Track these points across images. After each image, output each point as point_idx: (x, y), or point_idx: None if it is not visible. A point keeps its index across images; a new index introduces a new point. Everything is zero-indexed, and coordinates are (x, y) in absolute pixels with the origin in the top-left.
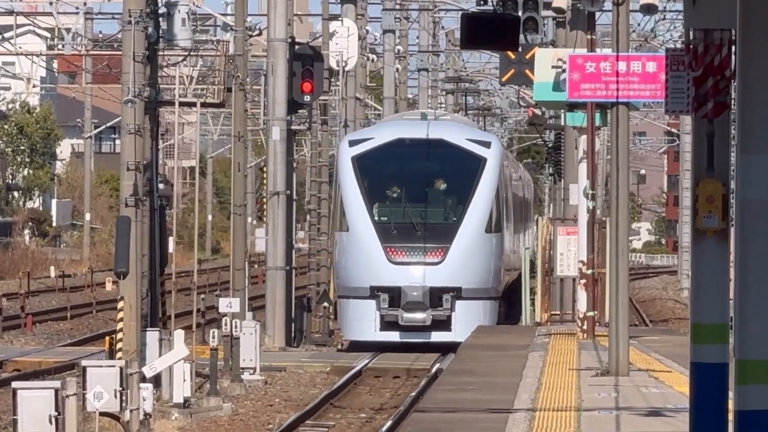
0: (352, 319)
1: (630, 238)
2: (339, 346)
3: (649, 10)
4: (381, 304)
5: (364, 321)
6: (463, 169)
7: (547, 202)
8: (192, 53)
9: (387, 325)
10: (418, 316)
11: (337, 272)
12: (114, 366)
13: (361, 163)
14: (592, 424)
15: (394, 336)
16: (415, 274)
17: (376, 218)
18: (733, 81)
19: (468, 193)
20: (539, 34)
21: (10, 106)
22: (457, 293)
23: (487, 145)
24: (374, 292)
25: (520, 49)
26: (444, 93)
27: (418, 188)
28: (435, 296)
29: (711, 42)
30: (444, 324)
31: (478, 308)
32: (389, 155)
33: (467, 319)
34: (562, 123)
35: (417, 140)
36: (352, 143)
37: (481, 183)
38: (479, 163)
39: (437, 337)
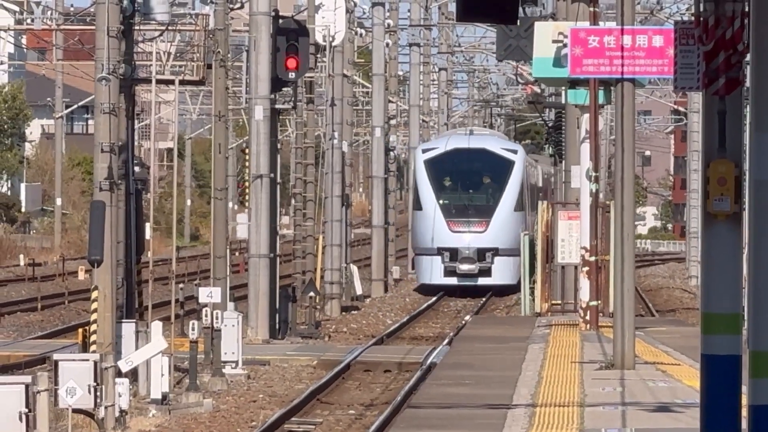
0: (425, 269)
1: (635, 223)
2: (327, 338)
3: None
4: (444, 259)
5: (433, 270)
6: (498, 168)
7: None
8: (170, 28)
9: (448, 273)
10: (470, 266)
11: (414, 237)
12: (88, 360)
13: (430, 164)
14: (596, 420)
15: (453, 280)
16: (466, 239)
17: (440, 201)
18: (746, 55)
19: (502, 184)
20: (538, 7)
21: None
22: (495, 252)
23: (514, 151)
24: (439, 251)
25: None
26: (438, 70)
27: (468, 181)
28: (480, 254)
29: (722, 14)
30: (487, 272)
31: (510, 262)
32: (449, 159)
33: (502, 269)
34: (563, 101)
35: (467, 149)
36: (424, 151)
37: (511, 178)
38: (510, 164)
39: (482, 281)
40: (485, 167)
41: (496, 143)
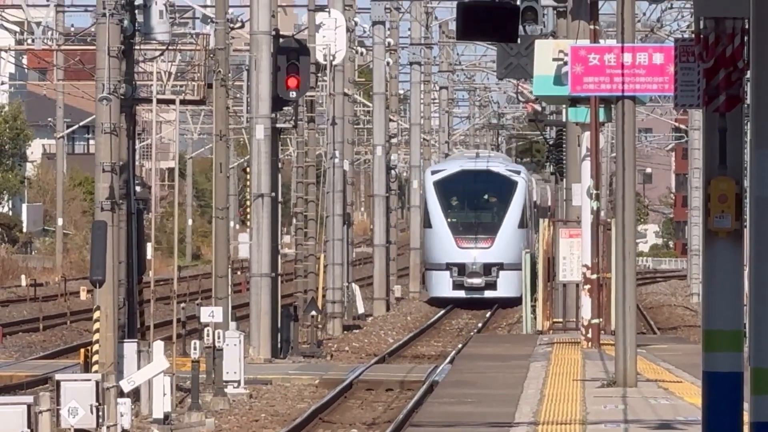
0: (435, 283)
1: (636, 240)
2: (329, 357)
3: None
4: (452, 274)
5: (442, 284)
6: (503, 188)
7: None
8: (170, 47)
9: (456, 286)
10: (476, 280)
11: (425, 253)
12: (90, 380)
13: (439, 185)
14: None
15: (461, 293)
16: (473, 255)
17: (448, 219)
18: (746, 72)
19: (506, 203)
20: (539, 25)
21: None
22: (501, 266)
23: (518, 172)
24: (448, 266)
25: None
26: (438, 88)
27: (475, 200)
28: (486, 268)
29: (723, 31)
30: (492, 286)
31: (514, 276)
32: (456, 180)
33: (507, 283)
34: (564, 119)
35: (473, 170)
36: (433, 172)
37: (515, 197)
38: (513, 184)
39: (488, 294)
40: (490, 187)
41: (501, 165)
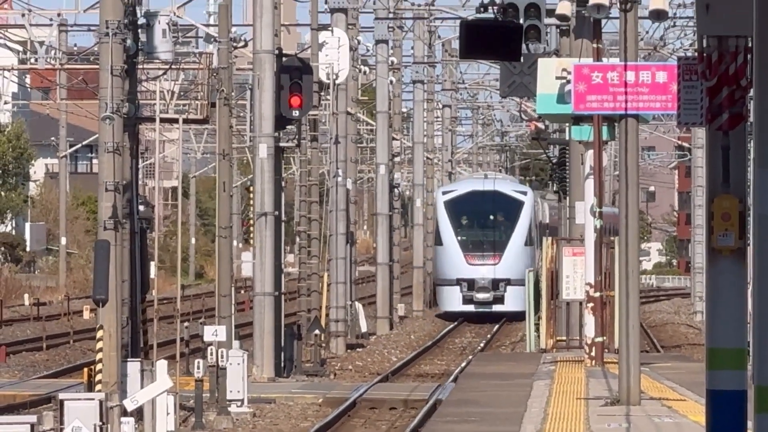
0: (445, 298)
1: (640, 258)
2: (333, 376)
3: (658, 16)
4: (462, 289)
5: (452, 299)
6: (510, 208)
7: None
8: (173, 66)
9: (466, 301)
10: (485, 295)
11: (435, 269)
12: (93, 399)
13: (449, 204)
14: None
15: (470, 308)
16: (482, 271)
17: (458, 237)
18: (749, 90)
19: (513, 222)
20: (542, 43)
21: None
22: (508, 282)
23: (524, 193)
24: (458, 281)
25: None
26: (441, 107)
27: (483, 219)
28: (494, 284)
29: (725, 50)
30: (500, 300)
31: (521, 291)
32: (466, 200)
33: (514, 297)
34: (567, 137)
35: (482, 191)
36: (444, 193)
37: (521, 216)
38: (520, 204)
39: (496, 308)
40: (498, 207)
41: (509, 186)
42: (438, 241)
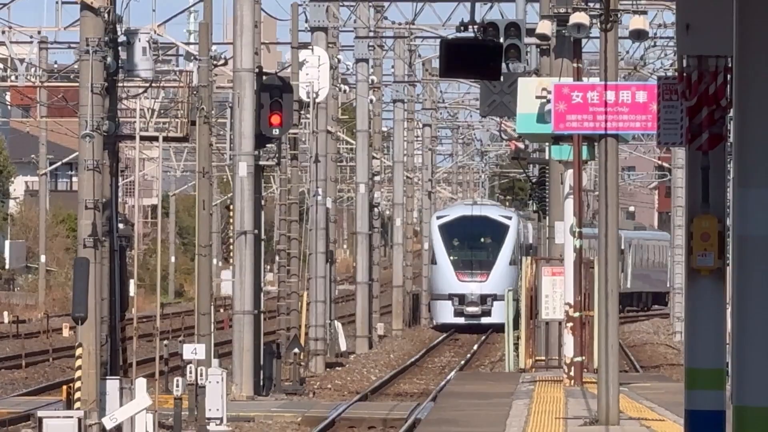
0: (438, 311)
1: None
2: (312, 394)
3: (639, 36)
4: (454, 303)
5: (445, 311)
6: (497, 231)
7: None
8: (153, 84)
9: (457, 314)
10: (474, 309)
11: (430, 286)
12: (72, 417)
13: (443, 228)
14: None
15: (461, 320)
16: (472, 287)
17: (451, 257)
18: (729, 111)
19: (500, 244)
20: (522, 63)
21: None
22: (495, 297)
23: (509, 218)
24: (450, 296)
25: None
26: (422, 126)
27: (473, 241)
28: (483, 298)
29: (706, 69)
30: (488, 313)
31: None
32: (457, 224)
33: (500, 311)
34: (547, 157)
35: (471, 216)
36: (438, 217)
37: (507, 239)
38: (506, 228)
39: (484, 320)
40: (486, 230)
41: (496, 211)
42: (433, 260)
